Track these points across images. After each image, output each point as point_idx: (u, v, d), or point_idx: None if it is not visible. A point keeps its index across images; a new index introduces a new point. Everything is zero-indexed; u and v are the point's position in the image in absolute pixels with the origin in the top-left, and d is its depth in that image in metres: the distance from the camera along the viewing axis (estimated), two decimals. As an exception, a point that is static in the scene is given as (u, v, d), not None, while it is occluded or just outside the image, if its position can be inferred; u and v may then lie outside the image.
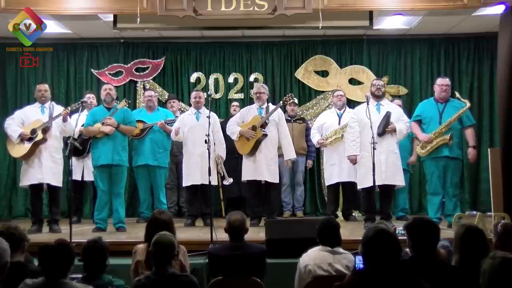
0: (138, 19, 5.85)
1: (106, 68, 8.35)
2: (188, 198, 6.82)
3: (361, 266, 2.92)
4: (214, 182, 6.47)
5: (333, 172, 7.01)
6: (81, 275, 3.22)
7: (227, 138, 6.77)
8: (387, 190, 6.14)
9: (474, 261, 2.84)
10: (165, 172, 7.07)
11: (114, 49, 8.40)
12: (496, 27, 6.25)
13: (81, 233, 5.90)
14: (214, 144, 6.41)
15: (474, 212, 6.45)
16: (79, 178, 6.96)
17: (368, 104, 5.96)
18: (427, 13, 7.03)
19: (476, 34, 8.15)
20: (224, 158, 6.67)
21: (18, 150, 6.19)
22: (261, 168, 6.43)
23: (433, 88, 6.67)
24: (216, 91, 8.34)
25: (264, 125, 6.44)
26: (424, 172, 6.92)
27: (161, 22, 6.45)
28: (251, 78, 8.38)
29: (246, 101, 8.25)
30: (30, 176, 6.18)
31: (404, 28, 7.90)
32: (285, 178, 7.54)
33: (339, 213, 7.30)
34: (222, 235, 4.67)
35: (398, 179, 6.14)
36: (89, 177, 7.01)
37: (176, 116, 7.10)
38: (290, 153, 6.58)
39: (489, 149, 6.69)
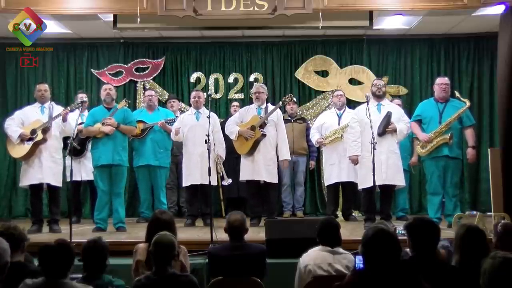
0: (138, 19, 5.85)
1: (106, 68, 8.35)
2: (188, 198, 6.82)
3: (361, 266, 2.92)
4: (214, 182, 6.47)
5: (333, 172, 7.01)
6: (81, 275, 3.22)
7: (227, 138, 6.77)
8: (388, 190, 6.14)
9: (475, 261, 2.84)
10: (166, 172, 7.07)
11: (114, 49, 8.40)
12: (496, 27, 6.26)
13: (81, 233, 5.90)
14: (214, 144, 6.40)
15: (474, 212, 6.45)
16: (76, 178, 6.94)
17: (368, 104, 5.95)
18: (427, 13, 7.03)
19: (476, 34, 8.15)
20: (224, 158, 6.68)
21: (18, 151, 6.19)
22: (259, 168, 6.43)
23: (433, 88, 6.68)
24: (216, 91, 8.34)
25: (263, 125, 6.44)
26: (424, 172, 6.92)
27: (161, 22, 6.45)
28: (251, 78, 8.38)
29: (246, 101, 8.25)
30: (30, 176, 6.18)
31: (404, 28, 7.90)
32: (286, 178, 7.54)
33: (339, 213, 7.30)
34: (222, 235, 4.66)
35: (399, 179, 6.14)
36: (86, 177, 7.00)
37: (176, 116, 7.10)
38: (285, 154, 6.57)
39: (489, 149, 6.69)
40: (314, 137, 7.13)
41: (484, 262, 2.46)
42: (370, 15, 6.40)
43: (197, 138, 6.46)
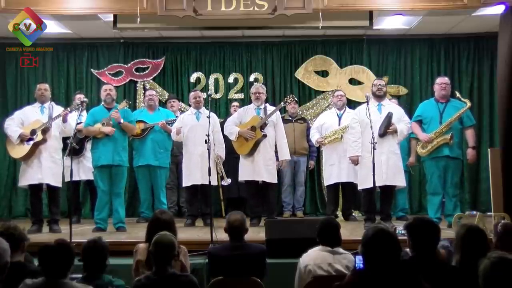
0: (138, 19, 5.84)
1: (106, 68, 8.35)
2: (188, 198, 6.82)
3: (361, 266, 2.92)
4: (214, 182, 6.47)
5: (332, 172, 7.01)
6: (81, 275, 3.22)
7: (227, 138, 6.77)
8: (388, 191, 6.13)
9: (475, 261, 2.83)
10: (166, 172, 7.07)
11: (114, 49, 8.40)
12: (496, 27, 6.25)
13: (81, 233, 5.90)
14: (214, 144, 6.40)
15: (474, 212, 6.45)
16: (75, 178, 6.93)
17: (368, 104, 5.95)
18: (427, 13, 7.03)
19: (476, 34, 8.15)
20: (224, 159, 6.67)
21: (18, 151, 6.19)
22: (259, 168, 6.43)
23: (433, 88, 6.68)
24: (216, 91, 8.34)
25: (263, 126, 6.44)
26: (424, 172, 6.92)
27: (161, 22, 6.45)
28: (251, 78, 8.38)
29: (246, 101, 8.24)
30: (29, 176, 6.18)
31: (404, 28, 7.90)
32: (286, 178, 7.54)
33: (339, 213, 7.31)
34: (222, 235, 4.66)
35: (399, 180, 6.14)
36: (85, 177, 7.01)
37: (176, 116, 7.10)
38: (285, 154, 6.57)
39: (489, 149, 6.69)
40: (314, 137, 7.13)
41: (481, 262, 2.46)
42: (370, 15, 6.40)
43: (197, 138, 6.46)
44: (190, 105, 7.06)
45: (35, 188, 6.25)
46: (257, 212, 6.60)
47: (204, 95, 6.87)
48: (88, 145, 6.75)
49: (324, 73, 8.39)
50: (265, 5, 5.84)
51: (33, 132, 6.10)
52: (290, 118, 7.59)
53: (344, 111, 7.09)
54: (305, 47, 8.42)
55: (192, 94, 6.91)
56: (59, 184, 6.29)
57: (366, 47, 8.35)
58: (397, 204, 7.42)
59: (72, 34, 8.00)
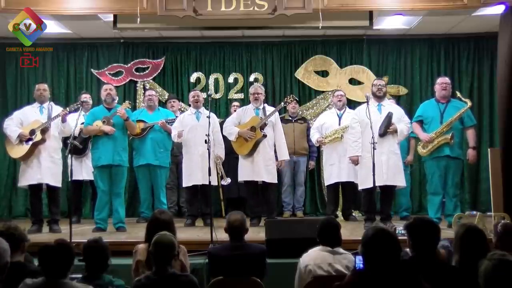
0: (138, 19, 5.85)
1: (106, 68, 8.35)
2: (188, 198, 6.82)
3: (361, 266, 2.92)
4: (214, 182, 6.47)
5: (332, 172, 7.01)
6: (81, 275, 3.22)
7: (226, 138, 6.77)
8: (388, 191, 6.13)
9: (474, 262, 2.83)
10: (166, 172, 7.06)
11: (114, 49, 8.40)
12: (496, 27, 6.26)
13: (81, 233, 5.90)
14: (214, 144, 6.40)
15: (474, 212, 6.44)
16: (78, 178, 6.96)
17: (368, 104, 5.95)
18: (427, 13, 7.03)
19: (476, 34, 8.15)
20: (223, 159, 6.67)
21: (17, 151, 6.19)
22: (259, 168, 6.43)
23: (434, 88, 6.69)
24: (216, 91, 8.34)
25: (263, 126, 6.44)
26: (425, 172, 6.92)
27: (161, 22, 6.45)
28: (251, 78, 8.38)
29: (246, 101, 8.23)
30: (28, 177, 6.18)
31: (404, 28, 7.90)
32: (286, 178, 7.54)
33: (339, 213, 7.31)
34: (222, 235, 4.67)
35: (399, 180, 6.13)
36: (87, 176, 7.02)
37: (176, 116, 7.09)
38: (284, 154, 6.58)
39: (489, 149, 6.70)
40: (314, 136, 7.13)
41: (481, 263, 2.46)
42: (370, 15, 6.40)
43: (197, 138, 6.46)
44: (190, 105, 7.06)
45: (35, 188, 6.25)
46: (257, 212, 6.60)
47: (203, 95, 6.87)
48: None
49: (324, 73, 8.39)
50: (265, 5, 5.85)
51: (32, 132, 6.10)
52: (290, 118, 7.59)
53: (344, 111, 7.09)
54: (305, 47, 8.42)
55: (191, 93, 6.91)
56: (59, 184, 6.29)
57: (366, 47, 8.35)
58: (401, 204, 7.43)
59: (72, 34, 8.00)
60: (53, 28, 7.12)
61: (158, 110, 7.22)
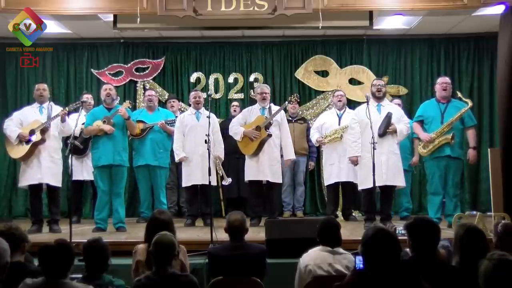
0: (138, 19, 5.85)
1: (106, 68, 8.35)
2: (188, 198, 6.82)
3: (361, 266, 2.92)
4: (214, 182, 6.48)
5: (332, 172, 7.01)
6: (81, 275, 3.22)
7: (228, 138, 6.77)
8: (388, 191, 6.13)
9: (474, 262, 2.83)
10: (166, 172, 7.06)
11: (114, 49, 8.40)
12: (496, 27, 6.26)
13: (81, 233, 5.90)
14: (214, 144, 6.39)
15: (474, 212, 6.45)
16: (79, 178, 6.96)
17: (368, 104, 5.95)
18: (427, 13, 7.03)
19: (476, 34, 8.15)
20: (223, 159, 6.67)
21: (17, 151, 6.19)
22: (264, 168, 6.42)
23: (434, 88, 6.69)
24: (216, 91, 8.34)
25: (268, 125, 6.44)
26: (425, 172, 6.92)
27: (161, 22, 6.45)
28: (251, 78, 8.38)
29: (246, 101, 8.26)
30: (29, 177, 6.18)
31: (404, 28, 7.90)
32: (286, 178, 7.53)
33: (339, 213, 7.31)
34: (222, 235, 4.67)
35: (399, 180, 6.13)
36: (88, 177, 7.03)
37: (176, 116, 7.09)
38: (290, 153, 6.58)
39: (489, 149, 6.70)
40: (314, 136, 7.14)
41: (481, 263, 2.46)
42: (370, 15, 6.40)
43: (197, 138, 6.46)
44: (190, 105, 7.06)
45: (35, 188, 6.25)
46: (257, 212, 6.60)
47: (204, 95, 6.86)
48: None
49: (324, 73, 8.39)
50: (265, 5, 5.85)
51: (32, 132, 6.10)
52: (290, 118, 7.58)
53: (344, 111, 7.09)
54: (305, 47, 8.42)
55: (192, 94, 6.91)
56: (59, 184, 6.29)
57: (366, 47, 8.35)
58: (401, 204, 7.43)
59: (72, 34, 8.00)
60: (53, 28, 7.12)
61: (157, 110, 7.21)
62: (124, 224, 6.28)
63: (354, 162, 6.25)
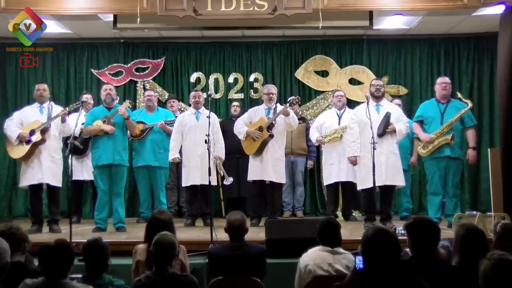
0: (138, 19, 5.85)
1: (106, 68, 8.35)
2: (188, 198, 6.82)
3: (361, 266, 2.92)
4: (214, 182, 6.47)
5: (332, 172, 7.01)
6: (81, 275, 3.22)
7: (228, 138, 6.76)
8: (387, 191, 6.13)
9: (474, 262, 2.83)
10: (166, 173, 7.06)
11: (114, 49, 8.40)
12: (496, 27, 6.26)
13: (81, 233, 5.90)
14: (214, 144, 6.40)
15: (474, 212, 6.46)
16: (79, 178, 6.96)
17: (368, 104, 5.95)
18: (427, 13, 7.03)
19: (476, 34, 8.15)
20: (223, 159, 6.67)
21: (17, 151, 6.19)
22: (267, 168, 6.42)
23: (434, 88, 6.69)
24: (216, 91, 8.33)
25: (271, 126, 6.43)
26: (425, 172, 6.92)
27: (161, 22, 6.45)
28: (251, 78, 8.38)
29: (246, 101, 8.26)
30: (29, 177, 6.18)
31: (404, 28, 7.90)
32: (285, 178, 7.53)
33: (339, 213, 7.31)
34: (222, 235, 4.67)
35: (398, 180, 6.12)
36: (88, 177, 7.03)
37: (176, 116, 7.09)
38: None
39: (489, 149, 6.70)
40: (314, 136, 7.13)
41: (481, 263, 2.46)
42: (370, 15, 6.40)
43: (197, 138, 6.46)
44: (190, 105, 7.06)
45: (35, 188, 6.25)
46: (258, 212, 6.61)
47: (204, 95, 6.86)
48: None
49: (324, 73, 8.39)
50: (265, 5, 5.85)
51: (32, 132, 6.10)
52: (290, 118, 7.57)
53: (344, 111, 7.09)
54: (305, 47, 8.42)
55: (192, 94, 6.91)
56: (59, 184, 6.29)
57: (366, 47, 8.35)
58: (401, 204, 7.43)
59: (72, 34, 8.00)
60: (53, 28, 7.12)
61: (157, 111, 7.21)
62: (124, 224, 6.28)
63: (353, 162, 6.25)
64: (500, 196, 5.81)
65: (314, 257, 3.63)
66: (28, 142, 6.09)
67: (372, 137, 5.62)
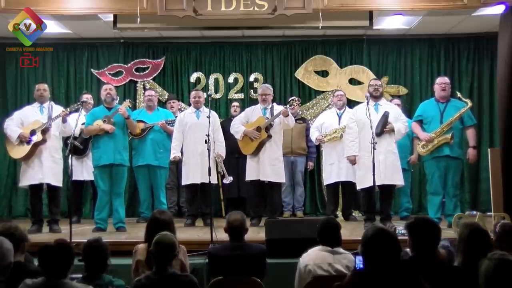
0: (138, 19, 5.85)
1: (106, 68, 8.35)
2: (188, 198, 6.82)
3: (361, 266, 2.92)
4: (214, 181, 6.47)
5: (332, 171, 7.01)
6: (81, 275, 3.22)
7: (228, 138, 6.76)
8: (387, 190, 6.12)
9: (478, 262, 2.83)
10: (166, 172, 7.06)
11: (114, 49, 8.40)
12: (496, 27, 6.26)
13: (81, 233, 5.90)
14: (214, 143, 6.39)
15: (474, 212, 6.44)
16: (79, 178, 6.96)
17: (368, 104, 5.95)
18: (427, 13, 7.03)
19: (476, 34, 8.15)
20: (224, 157, 6.67)
21: (17, 151, 6.19)
22: (264, 168, 6.41)
23: (433, 88, 6.69)
24: (216, 91, 8.33)
25: (269, 127, 6.43)
26: (425, 172, 6.92)
27: (161, 22, 6.45)
28: (251, 78, 8.38)
29: (246, 101, 8.26)
30: (30, 176, 6.18)
31: (404, 28, 7.90)
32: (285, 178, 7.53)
33: (339, 213, 7.30)
34: (222, 235, 4.66)
35: (397, 179, 6.12)
36: (88, 177, 7.03)
37: (176, 116, 7.08)
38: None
39: (489, 149, 6.70)
40: (314, 135, 7.14)
41: (482, 263, 2.46)
42: (370, 15, 6.40)
43: (197, 137, 6.46)
44: (190, 105, 7.07)
45: (36, 188, 6.25)
46: (258, 212, 6.60)
47: (204, 94, 6.86)
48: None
49: (324, 73, 8.39)
50: (265, 5, 5.85)
51: (33, 132, 6.10)
52: (290, 118, 7.57)
53: (344, 110, 7.09)
54: (305, 47, 8.42)
55: (192, 93, 6.91)
56: (60, 184, 6.29)
57: (366, 47, 8.34)
58: (401, 204, 7.43)
59: (72, 34, 8.00)
60: (53, 28, 7.12)
61: (157, 110, 7.21)
62: (124, 224, 6.28)
63: (352, 161, 6.25)
64: (500, 196, 5.81)
65: (314, 257, 3.62)
66: (28, 142, 6.09)
67: (372, 137, 5.62)
